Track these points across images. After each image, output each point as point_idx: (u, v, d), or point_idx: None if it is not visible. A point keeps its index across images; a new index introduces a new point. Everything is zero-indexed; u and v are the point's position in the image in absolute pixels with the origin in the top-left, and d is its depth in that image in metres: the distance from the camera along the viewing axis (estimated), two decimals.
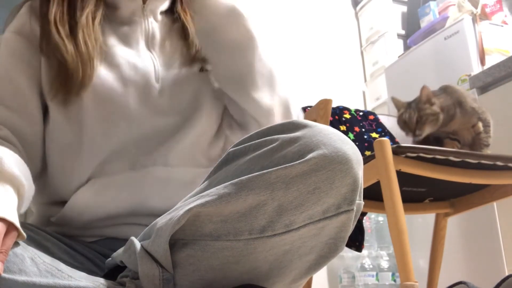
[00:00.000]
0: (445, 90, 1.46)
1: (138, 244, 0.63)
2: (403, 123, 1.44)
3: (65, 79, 0.80)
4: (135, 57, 0.87)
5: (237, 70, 0.84)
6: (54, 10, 0.83)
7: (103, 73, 0.83)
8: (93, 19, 0.85)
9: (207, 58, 0.88)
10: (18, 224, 0.61)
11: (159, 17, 0.93)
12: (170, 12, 0.95)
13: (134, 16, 0.91)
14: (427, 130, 1.40)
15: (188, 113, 0.88)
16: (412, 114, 1.41)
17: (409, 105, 1.44)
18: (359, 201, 0.61)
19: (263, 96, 0.84)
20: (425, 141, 1.42)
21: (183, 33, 0.94)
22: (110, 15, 0.89)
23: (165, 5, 0.94)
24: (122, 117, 0.82)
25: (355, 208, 0.60)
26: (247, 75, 0.83)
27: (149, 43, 0.90)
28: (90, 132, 0.81)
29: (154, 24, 0.92)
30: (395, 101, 1.49)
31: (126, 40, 0.89)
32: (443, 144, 1.41)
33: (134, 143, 0.83)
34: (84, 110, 0.81)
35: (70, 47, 0.81)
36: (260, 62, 0.84)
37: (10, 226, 0.60)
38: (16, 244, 0.62)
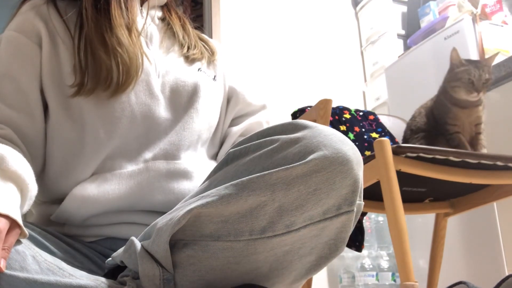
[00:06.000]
0: None
1: (138, 244, 0.63)
2: (469, 82, 1.32)
3: (118, 75, 0.81)
4: None
5: None
6: (115, 11, 0.85)
7: None
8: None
9: None
10: (20, 222, 0.62)
11: (157, 21, 0.96)
12: (163, 19, 0.99)
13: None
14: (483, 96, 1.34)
15: (188, 107, 0.89)
16: (483, 75, 1.32)
17: (472, 64, 1.34)
18: (359, 202, 0.61)
19: None
20: (429, 136, 1.40)
21: (174, 35, 0.97)
22: None
23: (159, 12, 0.98)
24: (124, 115, 0.83)
25: (355, 209, 0.60)
26: None
27: (148, 41, 0.92)
28: (92, 130, 0.82)
29: (152, 26, 0.94)
30: (454, 53, 1.37)
31: None
32: (451, 140, 1.38)
33: (136, 138, 0.84)
34: (85, 108, 0.82)
35: (127, 44, 0.83)
36: None
37: (13, 223, 0.61)
38: (18, 241, 0.62)
